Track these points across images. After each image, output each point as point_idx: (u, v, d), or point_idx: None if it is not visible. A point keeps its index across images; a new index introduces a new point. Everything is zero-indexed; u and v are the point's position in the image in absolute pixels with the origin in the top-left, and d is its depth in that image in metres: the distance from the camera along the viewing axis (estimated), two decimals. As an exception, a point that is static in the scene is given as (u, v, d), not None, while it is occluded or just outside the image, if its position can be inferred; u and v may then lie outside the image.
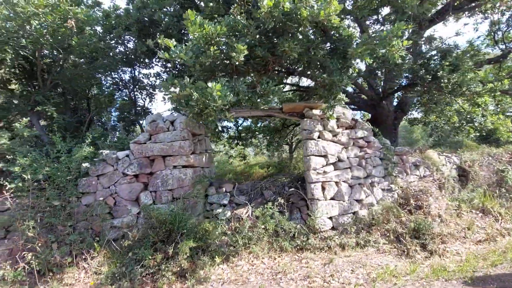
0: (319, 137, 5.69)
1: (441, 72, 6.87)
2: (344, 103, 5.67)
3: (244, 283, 3.95)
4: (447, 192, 6.68)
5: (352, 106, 12.83)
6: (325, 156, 5.65)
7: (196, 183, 5.55)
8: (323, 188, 5.59)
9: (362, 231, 5.43)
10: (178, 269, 4.24)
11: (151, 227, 4.62)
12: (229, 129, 10.67)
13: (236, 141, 10.79)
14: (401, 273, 3.88)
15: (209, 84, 3.43)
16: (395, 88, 9.42)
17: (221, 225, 5.12)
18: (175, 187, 5.28)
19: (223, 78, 3.63)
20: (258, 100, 4.10)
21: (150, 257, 4.25)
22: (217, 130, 5.25)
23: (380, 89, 10.40)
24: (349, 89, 11.72)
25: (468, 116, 8.20)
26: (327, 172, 5.58)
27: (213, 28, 3.55)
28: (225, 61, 3.96)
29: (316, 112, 5.71)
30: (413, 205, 5.81)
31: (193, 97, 3.50)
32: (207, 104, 3.43)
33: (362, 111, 13.96)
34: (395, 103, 10.91)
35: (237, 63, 3.78)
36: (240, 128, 11.24)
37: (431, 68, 7.26)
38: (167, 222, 4.60)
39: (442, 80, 6.90)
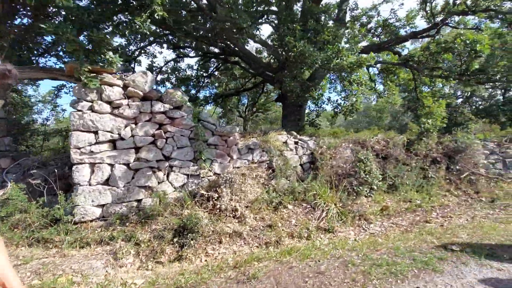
0: (91, 108, 4.57)
1: (287, 38, 5.64)
2: (118, 66, 4.50)
3: None
4: (280, 181, 5.75)
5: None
6: (95, 133, 4.57)
7: None
8: (93, 171, 4.58)
9: (131, 224, 4.54)
10: None
11: None
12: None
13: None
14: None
15: None
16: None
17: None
18: None
19: None
20: None
21: None
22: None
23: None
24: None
25: (342, 96, 7.07)
26: (95, 152, 4.53)
27: None
28: None
29: (90, 76, 4.52)
30: (205, 196, 4.88)
31: None
32: None
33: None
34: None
35: None
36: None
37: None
38: None
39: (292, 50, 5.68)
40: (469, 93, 21.71)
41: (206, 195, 4.86)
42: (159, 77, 12.97)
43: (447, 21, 10.21)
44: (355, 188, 6.06)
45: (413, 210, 5.91)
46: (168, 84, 13.09)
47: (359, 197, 6.01)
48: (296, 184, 5.79)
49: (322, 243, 4.42)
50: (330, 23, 7.39)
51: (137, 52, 10.60)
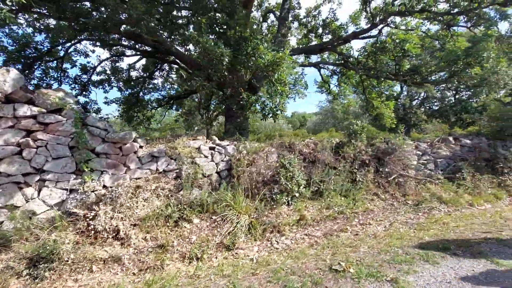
0: None
1: (189, 33, 5.05)
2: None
3: None
4: (189, 192, 5.14)
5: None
6: None
7: None
8: None
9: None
10: None
11: None
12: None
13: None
14: None
15: None
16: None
17: None
18: None
19: None
20: None
21: None
22: None
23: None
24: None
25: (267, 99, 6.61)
26: None
27: None
28: None
29: None
30: (80, 215, 4.15)
31: None
32: None
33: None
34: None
35: None
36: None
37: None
38: None
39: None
40: (425, 94, 22.49)
41: (80, 214, 4.12)
42: (96, 78, 12.01)
43: (388, 22, 10.20)
44: (274, 196, 5.58)
45: (334, 218, 5.53)
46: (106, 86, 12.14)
47: (279, 206, 5.53)
48: (205, 195, 5.19)
49: (212, 265, 3.85)
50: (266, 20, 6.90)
51: (61, 51, 9.59)
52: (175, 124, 22.05)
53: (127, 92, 12.92)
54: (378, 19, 9.90)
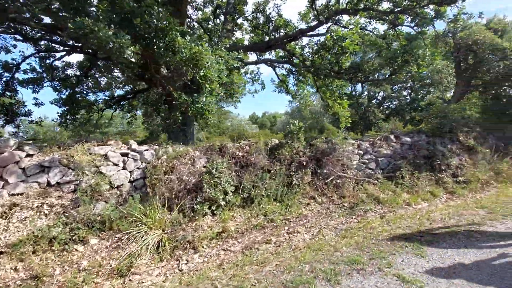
0: None
1: (80, 18, 4.30)
2: None
3: None
4: (91, 207, 4.38)
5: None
6: None
7: None
8: None
9: None
10: None
11: None
12: None
13: None
14: None
15: None
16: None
17: None
18: None
19: None
20: None
21: None
22: None
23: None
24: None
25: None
26: None
27: None
28: None
29: None
30: None
31: None
32: None
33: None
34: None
35: None
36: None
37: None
38: None
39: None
40: (384, 93, 23.16)
41: None
42: (23, 76, 10.66)
43: (335, 20, 10.03)
44: (195, 206, 4.99)
45: (262, 227, 5.06)
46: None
47: (200, 218, 4.95)
48: (109, 209, 4.47)
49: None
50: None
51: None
52: (137, 128, 20.83)
53: (66, 93, 11.68)
54: (324, 16, 9.71)
